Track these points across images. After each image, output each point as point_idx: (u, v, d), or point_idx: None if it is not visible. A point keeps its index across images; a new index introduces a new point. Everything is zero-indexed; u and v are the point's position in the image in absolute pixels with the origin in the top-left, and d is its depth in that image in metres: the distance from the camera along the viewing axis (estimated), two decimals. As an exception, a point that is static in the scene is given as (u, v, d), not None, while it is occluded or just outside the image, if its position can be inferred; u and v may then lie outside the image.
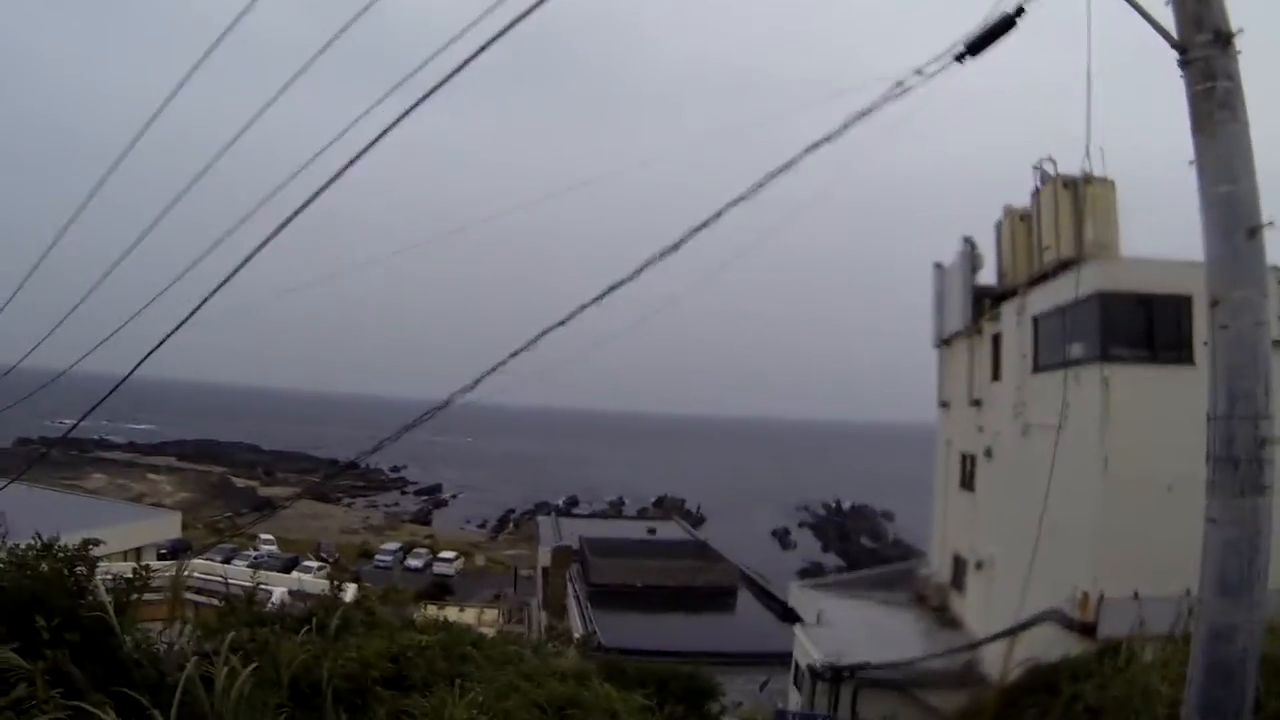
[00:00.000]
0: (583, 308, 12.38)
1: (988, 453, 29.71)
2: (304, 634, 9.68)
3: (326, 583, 12.02)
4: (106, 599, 7.24)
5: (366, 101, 10.47)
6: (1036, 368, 26.65)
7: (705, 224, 11.57)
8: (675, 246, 11.67)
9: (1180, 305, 22.45)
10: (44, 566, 7.33)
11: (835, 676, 26.46)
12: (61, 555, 7.49)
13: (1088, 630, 21.07)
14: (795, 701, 29.17)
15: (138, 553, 57.62)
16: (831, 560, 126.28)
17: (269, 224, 10.94)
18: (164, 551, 61.99)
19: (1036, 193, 27.77)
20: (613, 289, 12.14)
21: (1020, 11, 8.43)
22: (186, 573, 10.50)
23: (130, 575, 8.05)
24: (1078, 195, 25.51)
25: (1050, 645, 19.46)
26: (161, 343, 12.73)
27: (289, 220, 10.71)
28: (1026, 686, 14.45)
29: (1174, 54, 7.30)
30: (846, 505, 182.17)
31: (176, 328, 12.47)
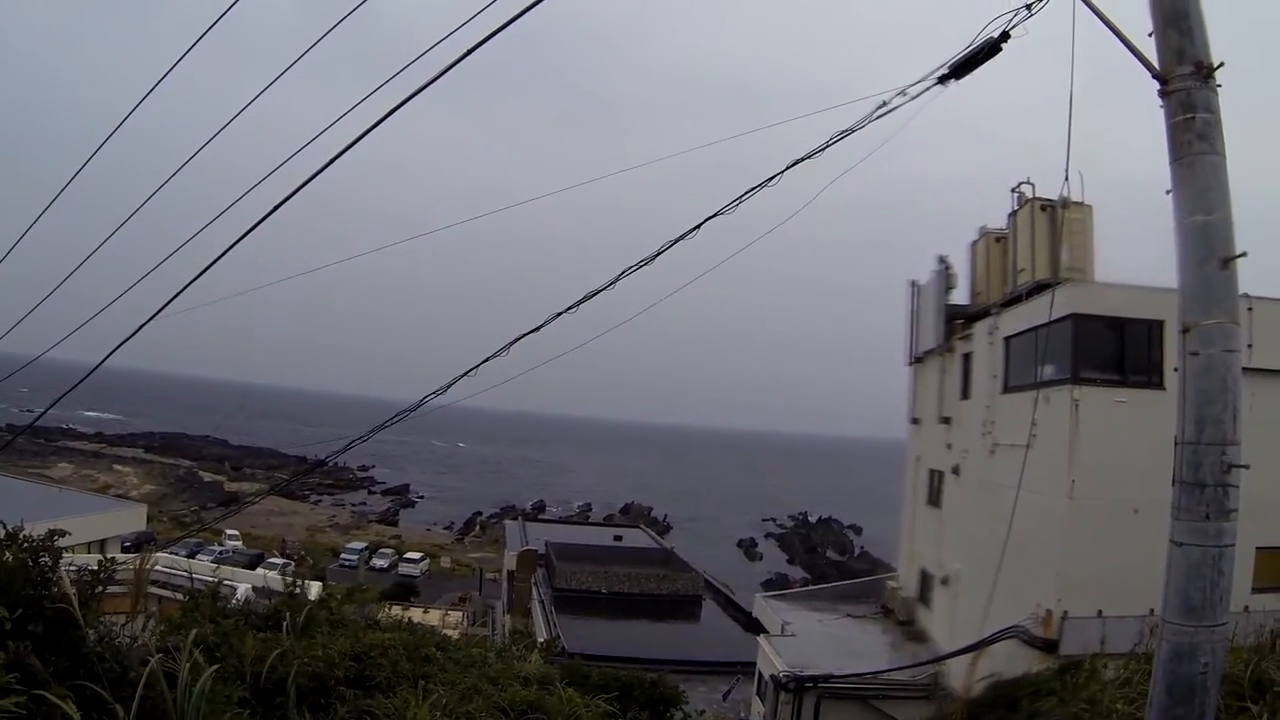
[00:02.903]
0: (558, 315, 12.41)
1: (955, 470, 29.86)
2: (268, 631, 9.68)
3: (289, 580, 11.96)
4: (71, 591, 7.19)
5: (356, 98, 10.49)
6: (1006, 388, 26.80)
7: (683, 236, 11.62)
8: (653, 257, 11.71)
9: (1151, 330, 22.65)
10: (8, 556, 7.26)
11: (798, 687, 26.56)
12: (26, 545, 7.42)
13: (1050, 647, 21.25)
14: (759, 711, 29.25)
15: (102, 544, 57.47)
16: (797, 572, 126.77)
17: (251, 218, 10.93)
18: (128, 544, 61.75)
19: (1013, 215, 27.96)
20: (589, 297, 12.17)
21: (1005, 37, 8.50)
22: (151, 566, 10.39)
23: (95, 568, 8.01)
24: (1054, 219, 25.70)
25: (1013, 661, 19.62)
26: (133, 334, 12.66)
27: (266, 216, 10.68)
28: (988, 702, 14.48)
29: (1155, 84, 7.37)
30: (813, 518, 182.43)
31: (149, 319, 12.41)
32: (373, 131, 9.96)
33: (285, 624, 10.22)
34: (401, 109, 9.86)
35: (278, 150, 11.03)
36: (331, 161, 10.21)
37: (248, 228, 10.90)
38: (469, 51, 9.23)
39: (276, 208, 10.61)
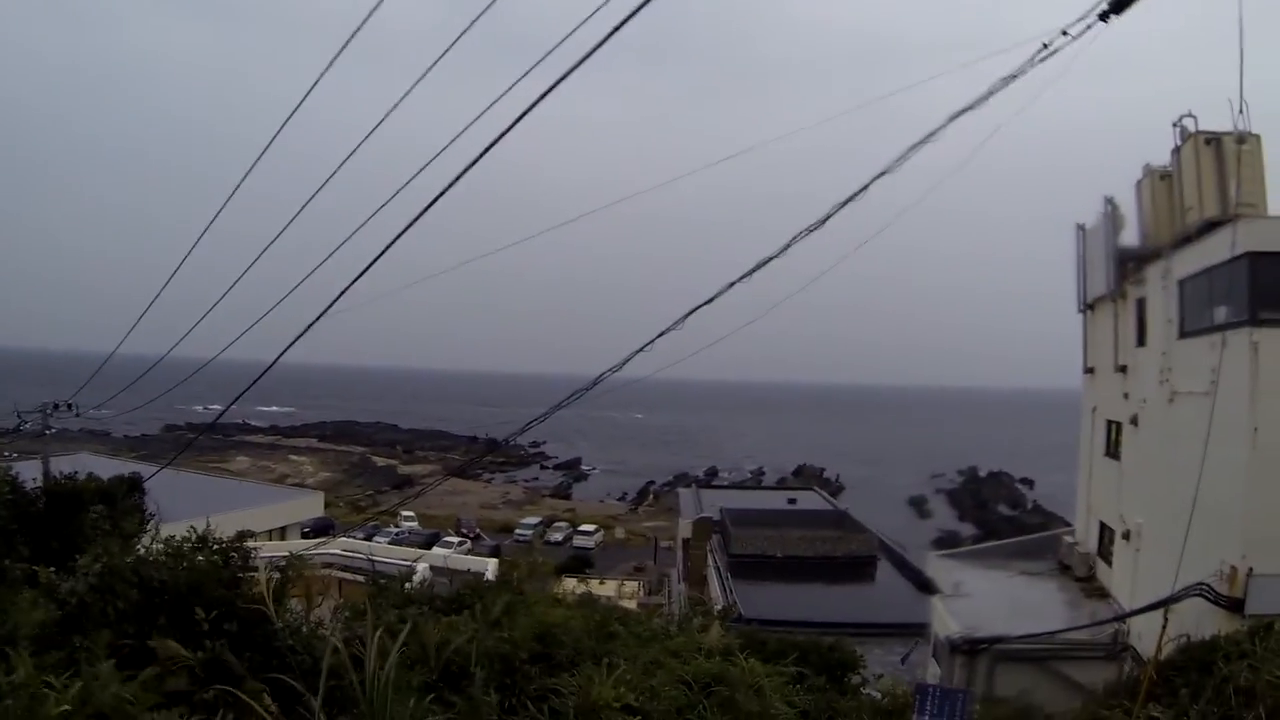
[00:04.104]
0: (730, 285, 12.42)
1: (1134, 420, 28.98)
2: (451, 615, 9.89)
3: (469, 558, 12.21)
4: (265, 593, 7.46)
5: (499, 85, 10.56)
6: (1183, 333, 25.79)
7: (851, 198, 11.53)
8: (822, 222, 11.64)
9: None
10: (200, 559, 7.56)
11: (972, 649, 26.16)
12: (217, 547, 7.73)
13: (1235, 606, 20.38)
14: (933, 674, 28.88)
15: (282, 531, 59.66)
16: (968, 529, 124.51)
17: (406, 210, 11.12)
18: (307, 530, 63.98)
19: (1177, 150, 26.97)
20: (761, 265, 12.15)
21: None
22: (331, 550, 10.72)
23: (283, 563, 8.28)
24: (1220, 152, 24.72)
25: (1203, 621, 18.90)
26: (305, 330, 13.04)
27: (427, 208, 10.88)
28: (1179, 664, 14.08)
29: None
30: (984, 473, 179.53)
31: (319, 316, 12.76)
32: (534, 114, 10.04)
33: (469, 606, 10.42)
34: (554, 91, 9.91)
35: (426, 145, 11.19)
36: (489, 148, 10.33)
37: (409, 220, 11.09)
38: (614, 30, 9.24)
39: (435, 200, 10.80)
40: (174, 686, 6.44)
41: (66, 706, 5.42)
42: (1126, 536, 28.51)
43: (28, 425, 39.38)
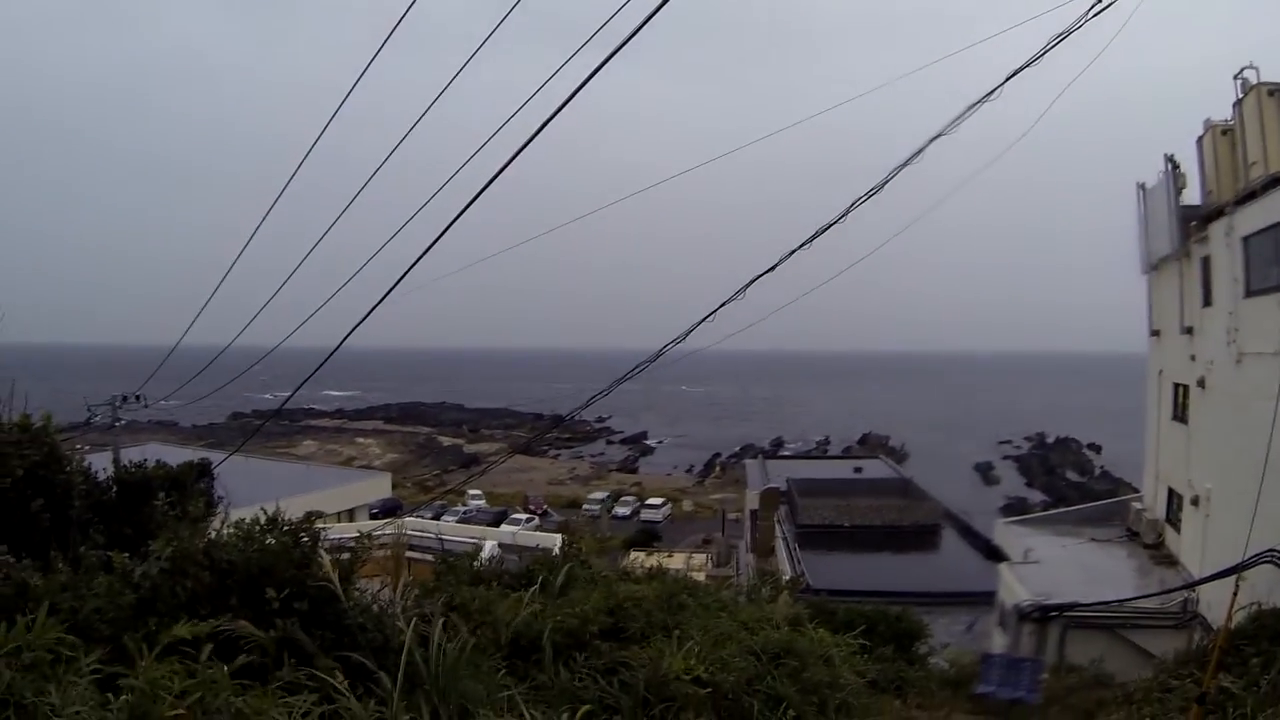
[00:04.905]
0: (791, 253, 12.41)
1: (1201, 383, 28.55)
2: (522, 590, 9.99)
3: (537, 534, 12.31)
4: (331, 572, 7.59)
5: (547, 59, 10.60)
6: (1249, 291, 25.33)
7: (908, 162, 11.50)
8: (880, 187, 11.61)
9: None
10: (270, 540, 7.71)
11: (1042, 617, 25.96)
12: (286, 529, 7.87)
13: (1307, 574, 20.03)
14: (1000, 643, 28.70)
15: (351, 513, 60.32)
16: (1035, 495, 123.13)
17: (464, 189, 11.18)
18: (376, 511, 64.62)
19: (1238, 104, 26.44)
20: (820, 232, 12.14)
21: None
22: (401, 530, 10.82)
23: (352, 542, 8.44)
24: (1285, 102, 24.23)
25: (1271, 588, 18.62)
26: (367, 315, 13.14)
27: (480, 192, 10.92)
28: (1250, 633, 13.95)
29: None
30: (1050, 438, 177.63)
31: (379, 301, 12.85)
32: (574, 95, 10.04)
33: (541, 582, 10.52)
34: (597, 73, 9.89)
35: (491, 126, 11.21)
36: (536, 134, 10.34)
37: (467, 202, 11.15)
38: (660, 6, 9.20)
39: (489, 183, 10.85)
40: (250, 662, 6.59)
41: (181, 711, 5.53)
42: (1195, 502, 28.13)
43: (98, 418, 39.98)
